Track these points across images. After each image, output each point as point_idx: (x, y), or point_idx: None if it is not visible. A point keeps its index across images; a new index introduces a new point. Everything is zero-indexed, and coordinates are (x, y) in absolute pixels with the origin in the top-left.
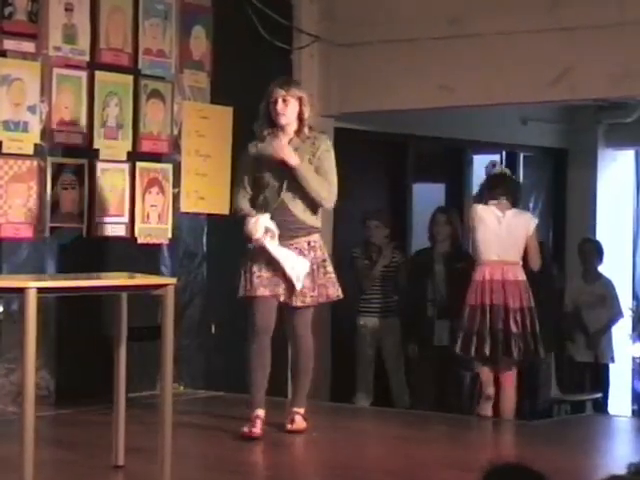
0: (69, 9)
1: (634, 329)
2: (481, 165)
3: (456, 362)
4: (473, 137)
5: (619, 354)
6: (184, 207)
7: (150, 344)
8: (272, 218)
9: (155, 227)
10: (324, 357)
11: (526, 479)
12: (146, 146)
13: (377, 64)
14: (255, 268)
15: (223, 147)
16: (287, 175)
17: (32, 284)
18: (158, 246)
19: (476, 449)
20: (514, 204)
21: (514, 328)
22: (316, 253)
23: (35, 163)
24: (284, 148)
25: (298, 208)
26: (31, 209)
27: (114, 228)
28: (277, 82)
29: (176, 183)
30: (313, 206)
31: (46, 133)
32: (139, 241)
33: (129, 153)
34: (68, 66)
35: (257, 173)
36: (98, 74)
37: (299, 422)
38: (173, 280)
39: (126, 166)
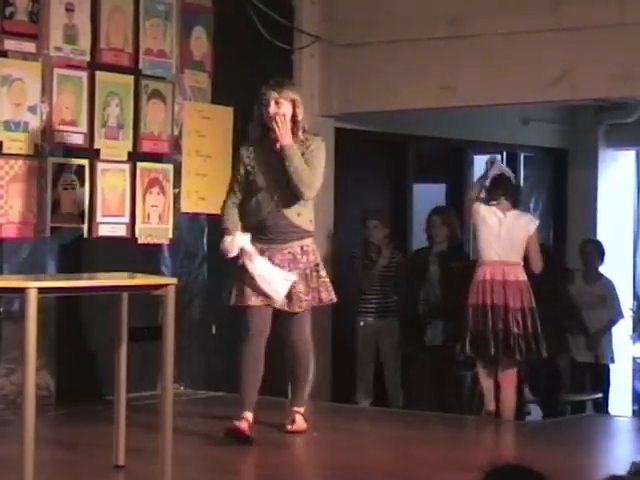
0: (70, 9)
1: (634, 329)
2: (482, 165)
3: (454, 362)
4: (473, 137)
5: (620, 354)
6: (185, 207)
7: (150, 344)
8: (265, 222)
9: (156, 227)
10: (324, 357)
11: (526, 479)
12: (147, 146)
13: (377, 64)
14: (247, 276)
15: (224, 147)
16: (280, 178)
17: (32, 284)
18: (159, 246)
19: (476, 449)
20: (514, 205)
21: (515, 328)
22: (309, 257)
23: (36, 163)
24: (285, 125)
25: (292, 212)
26: (32, 209)
27: (115, 228)
28: (270, 84)
29: (177, 183)
30: (305, 208)
31: (47, 133)
32: (140, 241)
33: (130, 153)
34: (69, 66)
35: (250, 176)
36: (99, 74)
37: (299, 422)
38: (174, 280)
39: (127, 166)
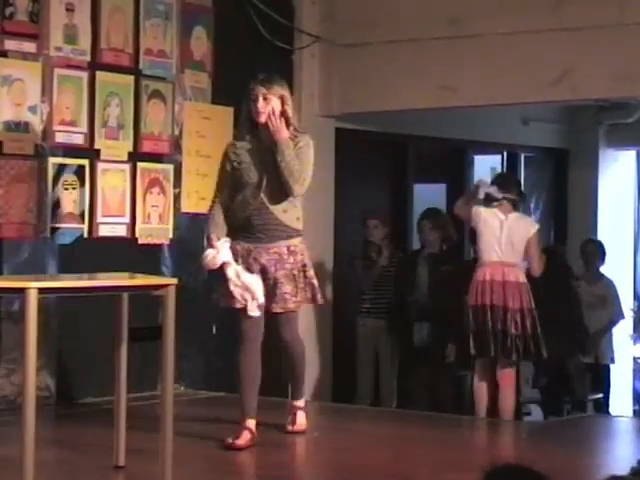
0: (70, 9)
1: (635, 329)
2: (482, 165)
3: (443, 364)
4: (474, 137)
5: (620, 354)
6: (185, 207)
7: (151, 344)
8: (251, 219)
9: (156, 227)
10: (324, 357)
11: (526, 479)
12: (147, 146)
13: (378, 64)
14: (230, 282)
15: (224, 148)
16: (269, 173)
17: (33, 284)
18: (159, 246)
19: (476, 449)
20: (515, 207)
21: (513, 329)
22: (296, 257)
23: (36, 163)
24: (278, 121)
25: (278, 208)
26: (32, 209)
27: (115, 228)
28: (258, 79)
29: (177, 183)
30: (293, 205)
31: (47, 133)
32: (140, 241)
33: (130, 153)
34: (69, 66)
35: (236, 172)
36: (99, 74)
37: (300, 420)
38: (174, 280)
39: (127, 166)
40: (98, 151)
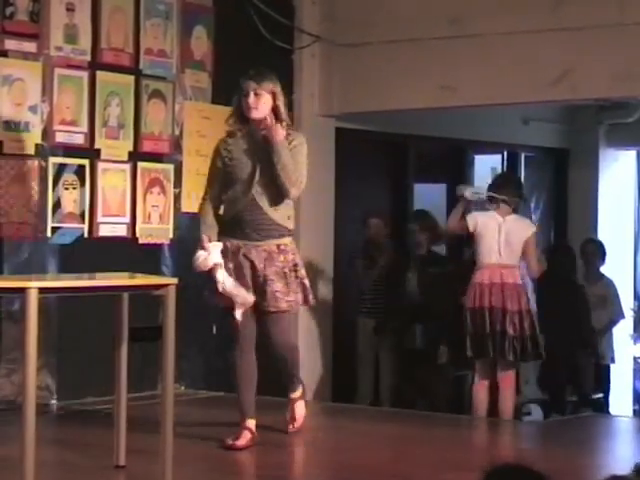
0: (70, 9)
1: (635, 329)
2: (482, 165)
3: (435, 365)
4: (474, 137)
5: (620, 354)
6: (185, 207)
7: (151, 344)
8: (242, 215)
9: (156, 227)
10: (324, 357)
11: (526, 479)
12: (147, 146)
13: (378, 64)
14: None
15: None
16: (261, 169)
17: (33, 284)
18: (159, 246)
19: (477, 449)
20: (515, 210)
21: (511, 330)
22: (287, 256)
23: (36, 163)
24: (272, 121)
25: (269, 206)
26: (32, 209)
27: (115, 228)
28: (250, 74)
29: (177, 183)
30: (284, 203)
31: (47, 133)
32: (140, 241)
33: (130, 153)
34: (69, 66)
35: (227, 168)
36: (99, 74)
37: (299, 412)
38: (174, 280)
39: (127, 166)
40: (98, 151)
